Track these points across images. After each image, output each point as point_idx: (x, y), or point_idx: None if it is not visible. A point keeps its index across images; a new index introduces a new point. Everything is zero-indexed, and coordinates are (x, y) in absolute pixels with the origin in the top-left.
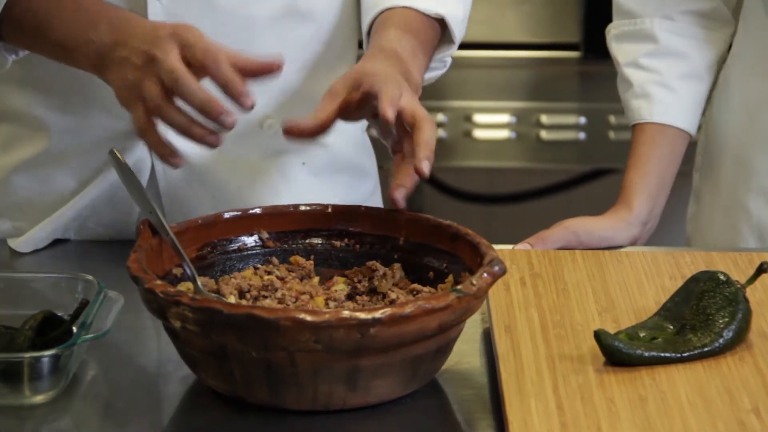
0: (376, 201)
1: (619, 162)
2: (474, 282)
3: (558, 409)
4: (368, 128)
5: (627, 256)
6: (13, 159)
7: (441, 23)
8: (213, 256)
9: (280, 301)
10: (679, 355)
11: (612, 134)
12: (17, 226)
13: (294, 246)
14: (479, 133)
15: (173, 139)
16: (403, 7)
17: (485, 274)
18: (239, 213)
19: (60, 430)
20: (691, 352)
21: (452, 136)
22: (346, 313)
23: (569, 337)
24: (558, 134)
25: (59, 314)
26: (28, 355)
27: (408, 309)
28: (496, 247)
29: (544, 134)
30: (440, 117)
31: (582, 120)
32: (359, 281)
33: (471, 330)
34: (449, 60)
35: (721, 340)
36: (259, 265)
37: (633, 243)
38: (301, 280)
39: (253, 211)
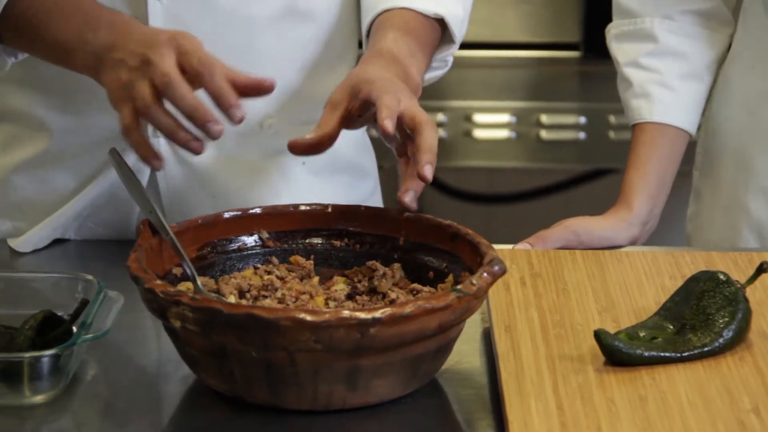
0: (376, 201)
1: (619, 162)
2: (474, 282)
3: (558, 409)
4: (368, 128)
5: (627, 256)
6: (13, 159)
7: (441, 23)
8: (213, 256)
9: (280, 300)
10: (679, 355)
11: (612, 134)
12: (17, 226)
13: (294, 246)
14: (479, 133)
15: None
16: (401, 8)
17: (485, 274)
18: (239, 213)
19: (60, 430)
20: (691, 352)
21: (452, 136)
22: (346, 313)
23: (569, 336)
24: (558, 134)
25: (59, 314)
26: (28, 354)
27: (408, 309)
28: (496, 246)
29: (544, 134)
30: (440, 117)
31: (582, 120)
32: (359, 281)
33: (471, 330)
34: (451, 59)
35: (721, 340)
36: (259, 265)
37: (633, 243)
38: (301, 279)
39: (253, 211)
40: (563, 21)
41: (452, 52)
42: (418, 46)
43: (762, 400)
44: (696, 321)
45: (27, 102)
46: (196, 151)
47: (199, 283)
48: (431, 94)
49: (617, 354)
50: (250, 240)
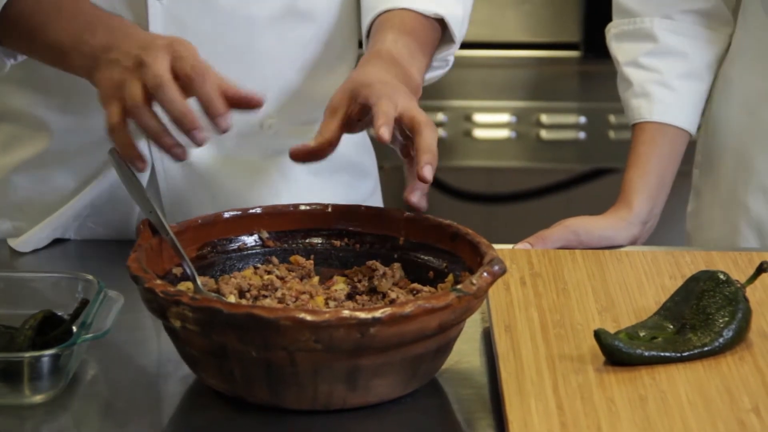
0: (376, 200)
1: (619, 161)
2: (474, 281)
3: (558, 409)
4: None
5: (627, 256)
6: (13, 159)
7: (441, 23)
8: (213, 255)
9: (280, 300)
10: (679, 355)
11: (612, 134)
12: (17, 226)
13: (294, 245)
14: (479, 133)
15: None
16: (401, 8)
17: (485, 274)
18: (239, 213)
19: (60, 430)
20: (691, 352)
21: (452, 136)
22: (346, 313)
23: (569, 336)
24: (558, 134)
25: (59, 314)
26: (28, 354)
27: (408, 308)
28: (496, 246)
29: (544, 134)
30: (440, 117)
31: (582, 119)
32: (359, 281)
33: (471, 330)
34: (452, 59)
35: (721, 340)
36: (259, 265)
37: (633, 242)
38: (301, 279)
39: (253, 210)
40: (563, 21)
41: (452, 52)
42: (418, 47)
43: (762, 399)
44: (696, 321)
45: (27, 102)
46: (179, 158)
47: (199, 282)
48: (431, 94)
49: (617, 354)
50: (250, 240)
